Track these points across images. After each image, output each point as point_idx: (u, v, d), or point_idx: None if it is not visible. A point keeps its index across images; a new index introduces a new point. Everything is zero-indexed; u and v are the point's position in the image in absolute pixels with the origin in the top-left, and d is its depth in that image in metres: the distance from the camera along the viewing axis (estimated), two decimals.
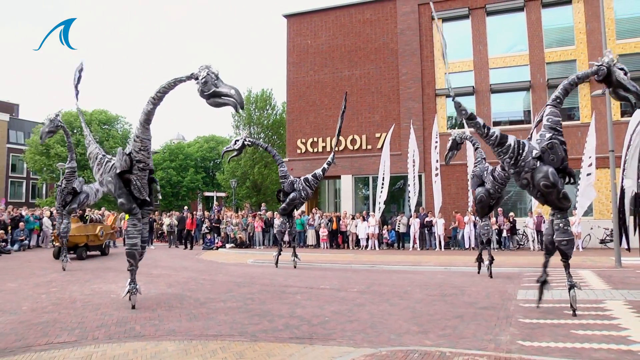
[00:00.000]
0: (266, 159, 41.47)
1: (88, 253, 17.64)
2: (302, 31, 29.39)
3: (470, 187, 12.55)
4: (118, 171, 7.80)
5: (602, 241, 21.17)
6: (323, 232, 23.57)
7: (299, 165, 28.33)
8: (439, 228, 21.98)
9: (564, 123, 7.36)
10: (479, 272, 12.59)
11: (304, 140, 28.35)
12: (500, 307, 7.83)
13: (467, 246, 21.73)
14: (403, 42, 26.82)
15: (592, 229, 21.54)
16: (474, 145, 12.48)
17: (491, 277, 11.93)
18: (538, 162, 7.19)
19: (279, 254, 15.22)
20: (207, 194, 46.42)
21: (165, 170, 54.55)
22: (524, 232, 22.08)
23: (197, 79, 6.58)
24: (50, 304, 8.33)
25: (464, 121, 7.50)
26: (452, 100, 7.53)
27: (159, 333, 6.19)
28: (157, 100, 7.30)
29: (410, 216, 22.93)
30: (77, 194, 13.26)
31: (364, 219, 23.20)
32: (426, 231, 22.66)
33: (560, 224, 7.37)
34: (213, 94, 6.42)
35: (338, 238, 24.04)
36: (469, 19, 25.84)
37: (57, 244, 16.08)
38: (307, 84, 28.78)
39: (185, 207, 29.32)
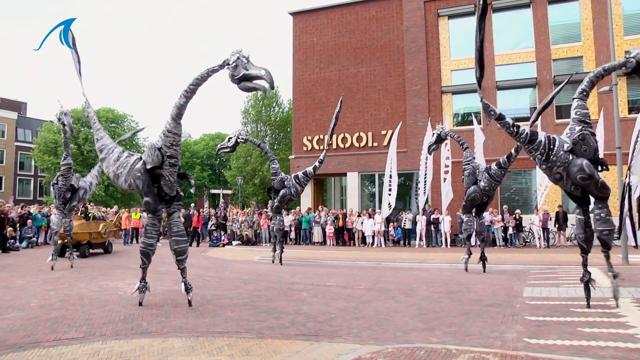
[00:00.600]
0: (277, 156, 41.60)
1: (91, 251, 17.46)
2: (308, 29, 29.37)
3: (465, 185, 12.72)
4: (149, 167, 7.44)
5: (636, 245, 21.01)
6: (329, 230, 23.58)
7: (305, 163, 28.30)
8: (446, 225, 21.95)
9: (570, 120, 7.33)
10: (484, 271, 12.56)
11: (309, 138, 28.35)
12: (507, 305, 7.82)
13: (473, 243, 21.66)
14: (409, 39, 26.75)
15: None
16: (461, 145, 12.82)
17: (466, 270, 12.56)
18: (571, 155, 7.17)
19: (282, 251, 15.28)
20: (213, 191, 46.54)
21: None
22: (530, 229, 22.00)
23: (228, 64, 6.47)
24: (58, 300, 8.40)
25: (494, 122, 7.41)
26: (481, 101, 7.51)
27: (166, 330, 6.22)
28: (190, 93, 7.15)
29: (417, 213, 22.91)
30: (76, 190, 13.09)
31: (370, 216, 23.19)
32: (432, 228, 22.65)
33: (602, 214, 7.35)
34: (243, 78, 6.30)
35: (344, 235, 24.04)
36: (475, 16, 25.69)
37: (60, 241, 15.70)
38: (313, 82, 28.77)
39: (192, 205, 29.38)
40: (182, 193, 8.03)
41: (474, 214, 12.62)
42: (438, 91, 25.98)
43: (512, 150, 11.88)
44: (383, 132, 26.39)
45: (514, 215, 21.76)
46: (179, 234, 7.74)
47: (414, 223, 22.84)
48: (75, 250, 15.73)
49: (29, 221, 21.75)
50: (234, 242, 24.19)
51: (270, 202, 29.25)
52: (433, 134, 12.88)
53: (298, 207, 26.97)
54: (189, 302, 7.66)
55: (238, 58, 6.35)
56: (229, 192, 44.49)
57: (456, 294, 8.98)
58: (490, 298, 8.52)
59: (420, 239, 22.63)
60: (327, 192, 31.00)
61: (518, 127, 7.39)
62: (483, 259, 12.65)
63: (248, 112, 42.80)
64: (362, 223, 23.32)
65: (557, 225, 21.38)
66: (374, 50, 27.57)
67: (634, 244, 13.07)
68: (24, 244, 20.88)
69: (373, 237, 23.07)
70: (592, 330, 6.01)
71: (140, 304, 7.69)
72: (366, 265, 14.64)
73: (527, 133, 7.33)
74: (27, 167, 57.08)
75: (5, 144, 55.81)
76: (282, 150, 42.34)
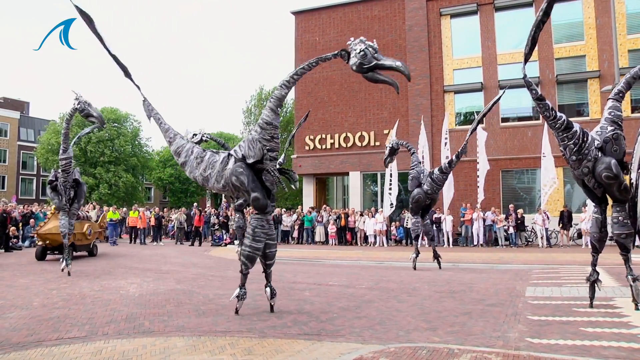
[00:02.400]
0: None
1: (75, 254, 15.79)
2: (310, 28, 29.39)
3: (409, 188, 13.43)
4: (251, 161, 6.96)
5: (612, 238, 20.99)
6: (331, 229, 23.60)
7: (307, 162, 28.38)
8: (448, 224, 21.92)
9: (572, 119, 7.27)
10: (440, 268, 13.20)
11: (312, 137, 28.36)
12: (509, 304, 7.81)
13: (475, 243, 21.69)
14: (411, 39, 26.74)
15: None
16: (409, 150, 13.51)
17: (415, 269, 12.94)
18: (600, 152, 7.06)
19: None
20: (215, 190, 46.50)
21: (174, 167, 54.80)
22: (533, 228, 21.97)
23: (348, 53, 6.25)
24: (60, 299, 8.41)
25: (534, 102, 7.17)
26: (524, 79, 7.24)
27: (168, 329, 6.23)
28: (291, 83, 6.95)
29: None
30: (80, 186, 11.86)
31: (372, 216, 23.19)
32: (434, 228, 22.61)
33: (620, 217, 7.21)
34: (375, 67, 6.06)
35: (346, 234, 24.06)
36: (478, 15, 25.70)
37: (40, 243, 15.16)
38: (316, 81, 28.78)
39: (195, 204, 29.43)
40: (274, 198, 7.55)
41: (420, 215, 13.34)
42: (440, 90, 25.96)
43: (454, 157, 12.72)
44: (385, 132, 26.38)
45: (516, 215, 21.75)
46: (272, 237, 7.23)
47: None
48: (57, 252, 15.15)
49: (32, 220, 21.79)
50: (236, 242, 24.18)
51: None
52: (386, 146, 13.43)
53: (300, 207, 26.98)
54: (272, 308, 7.26)
55: (366, 47, 6.14)
56: None
57: (458, 294, 8.97)
58: (492, 297, 8.50)
59: (422, 238, 22.59)
60: (330, 192, 31.01)
61: (556, 112, 7.12)
62: (436, 256, 13.24)
63: (250, 112, 42.86)
64: (364, 222, 23.32)
65: (561, 225, 21.35)
66: None
67: (637, 243, 13.02)
68: (27, 243, 20.93)
69: (375, 236, 23.06)
70: (594, 330, 5.99)
71: (237, 312, 7.04)
72: (368, 265, 14.64)
73: (563, 120, 7.08)
74: (30, 166, 57.23)
75: (7, 144, 55.96)
76: (284, 150, 42.33)
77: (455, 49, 26.34)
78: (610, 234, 7.43)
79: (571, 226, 21.21)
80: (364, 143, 27.07)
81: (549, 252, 18.28)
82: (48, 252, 15.26)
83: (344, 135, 27.58)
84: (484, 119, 24.60)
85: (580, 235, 20.97)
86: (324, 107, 28.44)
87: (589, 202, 17.96)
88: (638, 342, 5.38)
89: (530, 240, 22.22)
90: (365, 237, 23.49)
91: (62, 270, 11.52)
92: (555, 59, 24.28)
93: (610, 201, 7.45)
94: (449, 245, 21.82)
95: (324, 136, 27.97)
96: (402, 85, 24.60)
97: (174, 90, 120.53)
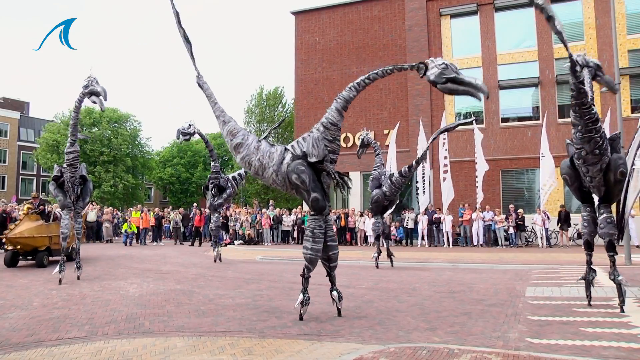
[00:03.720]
0: None
1: (51, 258, 14.31)
2: (310, 28, 29.38)
3: (369, 188, 13.83)
4: (314, 160, 6.75)
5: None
6: None
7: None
8: (447, 225, 21.93)
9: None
10: (392, 266, 13.79)
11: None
12: (509, 304, 7.81)
13: (475, 243, 21.68)
14: (411, 39, 26.74)
15: None
16: (375, 151, 14.00)
17: (377, 267, 13.63)
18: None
19: (220, 248, 15.63)
20: None
21: (175, 167, 54.81)
22: (533, 229, 21.95)
23: (426, 66, 6.16)
24: (60, 299, 8.41)
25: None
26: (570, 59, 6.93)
27: (168, 329, 6.23)
28: (361, 87, 6.90)
29: (419, 212, 22.90)
30: (85, 182, 10.90)
31: (372, 216, 23.16)
32: (434, 228, 22.64)
33: (611, 218, 7.31)
34: (453, 80, 5.97)
35: (346, 235, 24.04)
36: (478, 15, 25.70)
37: (10, 247, 13.53)
38: (315, 81, 28.78)
39: (195, 204, 29.42)
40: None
41: (382, 216, 13.91)
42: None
43: (413, 162, 13.13)
44: (385, 132, 26.37)
45: (516, 215, 21.73)
46: (334, 238, 7.08)
47: (416, 223, 22.83)
48: (30, 258, 13.92)
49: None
50: (236, 242, 24.21)
51: (272, 201, 29.39)
52: (359, 139, 13.88)
53: (299, 207, 26.97)
54: (339, 312, 7.03)
55: (448, 63, 6.08)
56: None
57: (458, 294, 8.97)
58: (492, 298, 8.51)
59: (422, 239, 22.63)
60: (330, 192, 31.01)
61: (592, 101, 7.07)
62: (389, 254, 13.88)
63: (251, 112, 42.85)
64: (364, 223, 23.31)
65: (559, 225, 21.33)
66: (376, 50, 27.56)
67: (637, 243, 13.06)
68: None
69: (373, 237, 23.03)
70: (594, 330, 6.00)
71: (301, 318, 6.72)
72: (368, 265, 14.63)
73: (595, 111, 6.98)
74: (30, 166, 57.21)
75: (7, 144, 55.95)
76: None
77: (455, 49, 26.33)
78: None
79: (569, 226, 21.19)
80: None
81: (549, 252, 18.27)
82: (20, 257, 13.76)
83: (344, 135, 27.56)
84: (484, 119, 24.70)
85: (580, 236, 20.91)
86: (324, 108, 28.12)
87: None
88: (638, 342, 5.38)
89: (530, 240, 22.20)
90: (365, 238, 23.48)
91: (54, 273, 10.47)
92: (555, 59, 24.26)
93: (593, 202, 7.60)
94: (448, 245, 21.81)
95: None
96: (402, 85, 24.52)
97: (174, 90, 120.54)
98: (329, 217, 7.05)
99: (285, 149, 7.10)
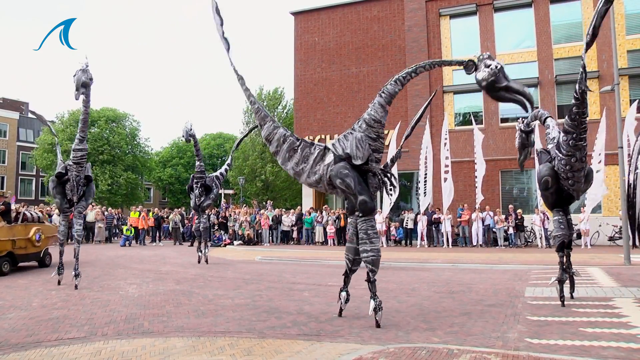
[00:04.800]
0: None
1: (19, 264, 13.03)
2: (310, 28, 29.39)
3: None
4: (359, 162, 6.43)
5: (611, 238, 21.04)
6: (330, 229, 23.59)
7: None
8: (447, 225, 21.94)
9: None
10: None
11: (311, 137, 28.33)
12: (508, 305, 7.81)
13: (474, 243, 21.69)
14: (410, 39, 26.76)
15: (600, 226, 21.42)
16: None
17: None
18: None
19: (207, 249, 15.35)
20: None
21: (174, 167, 54.80)
22: (532, 229, 21.97)
23: (475, 65, 6.09)
24: (59, 300, 8.41)
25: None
26: (582, 70, 6.88)
27: (167, 330, 6.22)
28: (406, 80, 6.58)
29: (419, 212, 22.91)
30: (90, 183, 10.22)
31: None
32: (433, 228, 22.64)
33: (570, 219, 7.74)
34: (505, 88, 5.90)
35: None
36: (477, 15, 25.72)
37: None
38: (315, 81, 28.78)
39: None
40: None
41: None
42: (440, 91, 25.96)
43: (388, 161, 13.06)
44: (385, 132, 26.34)
45: (515, 215, 21.74)
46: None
47: (415, 223, 22.84)
48: None
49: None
50: (235, 242, 24.22)
51: (270, 201, 29.39)
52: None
53: (299, 207, 26.98)
54: (340, 312, 6.94)
55: (499, 67, 5.95)
56: (231, 192, 44.53)
57: (458, 294, 8.97)
58: (491, 298, 8.51)
59: (422, 239, 22.63)
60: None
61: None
62: None
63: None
64: None
65: None
66: (376, 50, 27.57)
67: (637, 243, 13.05)
68: None
69: None
70: (594, 330, 6.00)
71: (378, 325, 6.33)
72: None
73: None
74: (29, 167, 57.14)
75: (7, 144, 55.89)
76: None
77: (455, 49, 26.34)
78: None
79: None
80: None
81: (548, 252, 18.27)
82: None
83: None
84: (483, 119, 24.70)
85: (579, 236, 20.98)
86: (323, 108, 28.45)
87: (587, 202, 18.10)
88: (637, 342, 5.38)
89: (530, 240, 22.22)
90: None
91: (52, 275, 10.19)
92: (554, 59, 24.29)
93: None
94: (448, 245, 21.82)
95: (323, 137, 27.95)
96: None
97: (174, 90, 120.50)
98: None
99: (326, 148, 6.78)
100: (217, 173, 15.66)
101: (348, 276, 7.03)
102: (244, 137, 16.38)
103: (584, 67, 6.79)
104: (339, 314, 6.96)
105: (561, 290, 7.77)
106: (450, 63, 6.56)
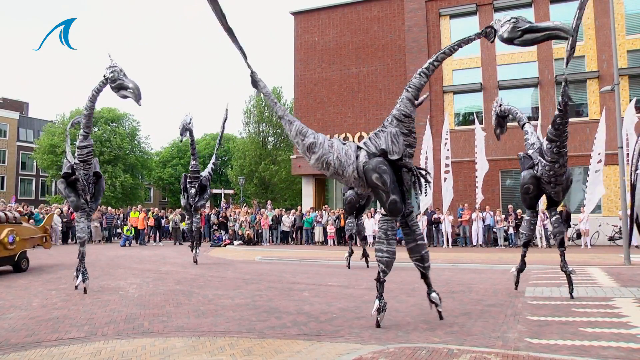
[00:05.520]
0: (273, 155, 41.53)
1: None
2: (310, 28, 29.39)
3: (342, 189, 14.00)
4: (396, 157, 6.28)
5: (611, 238, 21.04)
6: (330, 229, 23.59)
7: (306, 163, 28.24)
8: (447, 225, 21.92)
9: (572, 119, 7.51)
10: (367, 266, 13.81)
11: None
12: (508, 304, 7.81)
13: (474, 243, 21.69)
14: (410, 39, 26.76)
15: (600, 226, 21.42)
16: None
17: (349, 267, 13.73)
18: None
19: (197, 250, 15.02)
20: (214, 191, 46.61)
21: (174, 167, 54.83)
22: None
23: (495, 30, 6.13)
24: (59, 300, 8.41)
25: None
26: (564, 83, 7.80)
27: (167, 329, 6.22)
28: (430, 71, 6.53)
29: (418, 213, 22.89)
30: (99, 179, 9.65)
31: (371, 216, 23.18)
32: (434, 228, 22.63)
33: (560, 218, 8.47)
34: (529, 30, 5.88)
35: (345, 235, 24.01)
36: (477, 15, 25.72)
37: None
38: (315, 81, 28.79)
39: None
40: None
41: (355, 216, 13.81)
42: (440, 91, 25.97)
43: None
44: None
45: (515, 215, 21.73)
46: (422, 237, 6.67)
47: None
48: None
49: (31, 221, 21.75)
50: (235, 242, 24.21)
51: (270, 202, 29.40)
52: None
53: (299, 207, 26.98)
54: (440, 315, 6.60)
55: (518, 17, 5.97)
56: (231, 192, 44.55)
57: (458, 294, 8.97)
58: (491, 298, 8.51)
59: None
60: (329, 192, 31.00)
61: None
62: (365, 255, 13.94)
63: (250, 112, 42.84)
64: (363, 223, 23.29)
65: None
66: (376, 50, 27.58)
67: (636, 243, 13.08)
68: None
69: (374, 237, 23.03)
70: (594, 330, 6.00)
71: (378, 325, 6.29)
72: (369, 265, 14.63)
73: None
74: (29, 167, 57.17)
75: (7, 144, 55.91)
76: (284, 150, 42.36)
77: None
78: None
79: (569, 226, 21.21)
80: None
81: (549, 252, 18.28)
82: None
83: (343, 135, 27.57)
84: (483, 119, 24.68)
85: (579, 236, 20.99)
86: (323, 108, 28.45)
87: (587, 202, 18.11)
88: (637, 342, 5.38)
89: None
90: (364, 238, 23.44)
91: (77, 287, 9.37)
92: (554, 59, 24.29)
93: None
94: (448, 245, 21.82)
95: None
96: (401, 85, 24.39)
97: (174, 90, 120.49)
98: (414, 214, 6.57)
99: (358, 146, 6.65)
100: (206, 173, 15.21)
101: (425, 276, 6.74)
102: (222, 132, 15.98)
103: (565, 81, 7.52)
104: (440, 317, 6.57)
105: (517, 278, 9.07)
106: (469, 40, 6.48)
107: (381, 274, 6.39)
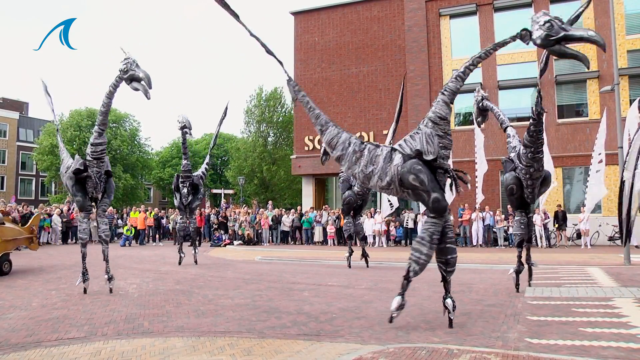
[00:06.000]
0: (274, 155, 41.52)
1: None
2: (310, 28, 29.39)
3: (340, 190, 14.03)
4: (431, 158, 6.20)
5: (611, 238, 21.03)
6: (330, 229, 23.59)
7: (306, 162, 28.35)
8: None
9: (572, 119, 7.56)
10: (367, 266, 13.87)
11: (311, 138, 28.36)
12: (508, 305, 7.81)
13: (474, 243, 21.69)
14: (410, 39, 26.75)
15: (600, 226, 21.41)
16: None
17: (350, 267, 13.79)
18: None
19: (196, 251, 14.87)
20: (214, 191, 46.61)
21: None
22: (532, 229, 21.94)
23: (530, 33, 6.02)
24: (59, 300, 8.41)
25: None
26: (537, 99, 8.53)
27: (167, 329, 6.22)
28: (466, 75, 6.54)
29: (419, 212, 22.89)
30: (109, 178, 9.34)
31: (371, 216, 23.19)
32: None
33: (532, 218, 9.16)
34: (564, 38, 5.80)
35: (345, 235, 24.01)
36: (477, 15, 25.71)
37: None
38: (315, 81, 28.78)
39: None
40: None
41: (352, 216, 13.89)
42: (439, 91, 25.94)
43: None
44: (385, 132, 26.32)
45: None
46: (452, 240, 6.49)
47: (416, 223, 22.83)
48: None
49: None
50: (235, 242, 24.21)
51: (270, 202, 29.38)
52: (321, 145, 14.45)
53: (299, 207, 26.98)
54: (450, 323, 6.36)
55: (552, 19, 5.91)
56: (231, 192, 44.54)
57: (457, 294, 8.95)
58: (491, 298, 8.51)
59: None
60: (329, 192, 31.00)
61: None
62: (364, 255, 13.93)
63: (251, 112, 42.83)
64: (363, 223, 23.31)
65: (556, 225, 21.35)
66: (376, 50, 27.57)
67: (635, 243, 13.08)
68: None
69: (374, 237, 23.06)
70: (594, 330, 6.00)
71: (391, 320, 6.33)
72: (370, 265, 14.63)
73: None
74: (29, 167, 57.16)
75: (7, 144, 55.91)
76: (284, 150, 42.36)
77: (455, 49, 26.34)
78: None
79: (567, 226, 21.23)
80: None
81: (548, 252, 18.29)
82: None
83: None
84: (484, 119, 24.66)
85: (579, 236, 20.98)
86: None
87: (587, 202, 18.10)
88: (637, 342, 5.38)
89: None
90: (364, 238, 23.46)
91: (85, 290, 9.23)
92: (554, 59, 24.24)
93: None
94: None
95: None
96: (399, 85, 24.45)
97: (175, 90, 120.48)
98: (449, 217, 6.42)
99: (393, 149, 6.53)
100: (200, 172, 14.86)
101: (445, 280, 6.57)
102: (218, 130, 15.85)
103: (539, 92, 8.27)
104: (449, 325, 6.34)
105: (517, 279, 9.07)
106: (504, 43, 6.44)
107: (411, 273, 6.36)
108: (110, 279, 9.18)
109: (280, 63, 7.02)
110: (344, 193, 13.63)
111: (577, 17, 6.94)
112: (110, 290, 9.15)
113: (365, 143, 6.65)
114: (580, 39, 5.75)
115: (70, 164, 9.13)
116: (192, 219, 14.76)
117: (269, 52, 7.00)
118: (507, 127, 9.59)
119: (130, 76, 7.97)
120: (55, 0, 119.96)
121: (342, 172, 13.77)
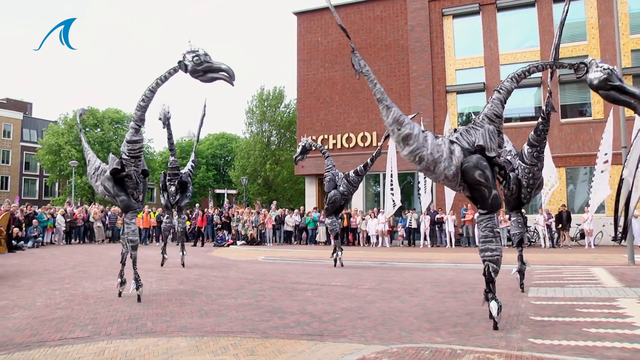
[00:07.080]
0: (277, 155, 41.55)
1: None
2: (313, 28, 29.40)
3: (325, 189, 14.08)
4: (493, 155, 6.19)
5: (615, 238, 20.95)
6: None
7: (309, 162, 28.25)
8: (450, 225, 21.90)
9: (575, 119, 7.58)
10: (342, 265, 13.97)
11: (314, 138, 28.32)
12: (512, 305, 7.80)
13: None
14: (413, 39, 26.73)
15: (604, 226, 21.34)
16: (323, 154, 14.32)
17: (342, 266, 13.88)
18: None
19: (184, 252, 14.25)
20: (218, 191, 46.68)
21: None
22: (535, 229, 21.92)
23: (587, 66, 6.01)
24: (63, 300, 8.42)
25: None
26: (548, 98, 8.70)
27: (171, 329, 6.23)
28: (521, 78, 6.58)
29: (421, 212, 22.90)
30: (145, 178, 8.85)
31: (374, 216, 23.19)
32: (437, 228, 22.61)
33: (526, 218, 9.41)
34: (619, 88, 5.80)
35: (348, 235, 24.03)
36: (480, 15, 25.68)
37: None
38: (318, 81, 28.79)
39: (197, 205, 29.45)
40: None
41: (337, 216, 14.15)
42: (442, 91, 25.93)
43: (368, 160, 13.59)
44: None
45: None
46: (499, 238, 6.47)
47: (418, 223, 22.84)
48: None
49: (34, 221, 21.86)
50: (238, 242, 24.23)
51: (274, 202, 29.41)
52: (298, 145, 14.24)
53: (302, 207, 26.99)
54: (495, 325, 6.09)
55: (613, 71, 5.88)
56: (234, 192, 44.60)
57: (461, 294, 8.96)
58: None
59: (425, 239, 22.61)
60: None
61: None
62: (336, 252, 14.01)
63: (253, 112, 42.88)
64: (366, 223, 23.33)
65: (560, 225, 21.31)
66: (379, 50, 27.55)
67: (637, 243, 13.05)
68: (30, 243, 20.98)
69: (377, 237, 23.06)
70: (597, 330, 5.98)
71: (495, 326, 6.08)
72: (370, 265, 14.64)
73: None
74: (33, 167, 57.35)
75: (10, 144, 56.11)
76: (287, 150, 42.38)
77: (458, 49, 26.32)
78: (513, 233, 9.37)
79: (570, 226, 21.19)
80: (366, 144, 27.05)
81: (552, 252, 18.25)
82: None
83: (346, 135, 27.59)
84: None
85: (583, 236, 20.94)
86: (326, 108, 28.44)
87: (591, 202, 18.05)
88: None
89: (533, 240, 22.17)
90: (368, 238, 23.48)
91: (131, 290, 8.62)
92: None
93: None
94: (451, 245, 21.80)
95: (326, 137, 27.96)
96: (404, 85, 24.38)
97: (176, 90, 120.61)
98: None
99: (451, 141, 6.38)
100: (187, 169, 14.04)
101: (494, 282, 6.40)
102: (199, 130, 15.26)
103: (550, 93, 8.49)
104: (494, 327, 6.09)
105: (520, 279, 9.15)
106: (562, 65, 6.54)
107: (492, 273, 6.29)
108: (139, 286, 8.47)
109: (348, 37, 7.16)
110: (329, 192, 13.70)
111: (565, 15, 7.65)
112: (139, 299, 8.37)
113: (426, 131, 6.45)
114: (632, 95, 5.77)
115: (99, 164, 8.84)
116: (181, 218, 14.21)
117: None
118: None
119: (207, 68, 7.49)
120: (57, 0, 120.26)
121: (326, 172, 13.88)
